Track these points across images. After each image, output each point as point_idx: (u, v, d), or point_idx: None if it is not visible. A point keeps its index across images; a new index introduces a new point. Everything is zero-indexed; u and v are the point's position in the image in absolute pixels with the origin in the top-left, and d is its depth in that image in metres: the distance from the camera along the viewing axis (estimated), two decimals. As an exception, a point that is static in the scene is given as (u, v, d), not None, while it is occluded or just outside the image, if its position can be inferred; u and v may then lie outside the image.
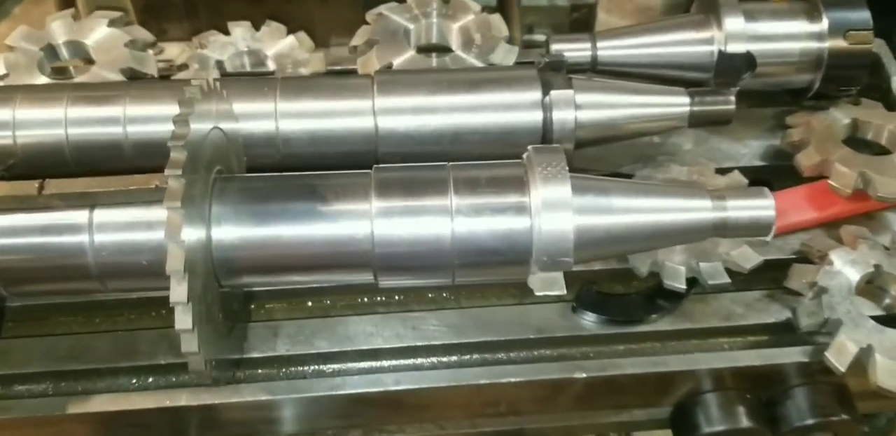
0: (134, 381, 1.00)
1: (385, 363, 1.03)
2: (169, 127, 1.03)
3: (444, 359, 1.03)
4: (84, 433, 1.02)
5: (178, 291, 0.77)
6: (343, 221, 0.88)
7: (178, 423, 1.02)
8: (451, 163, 0.93)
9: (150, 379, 1.00)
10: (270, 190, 0.90)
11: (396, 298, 1.10)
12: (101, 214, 0.87)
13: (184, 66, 1.26)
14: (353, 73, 1.29)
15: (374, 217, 0.87)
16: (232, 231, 0.87)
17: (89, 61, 1.26)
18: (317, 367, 1.02)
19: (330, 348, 1.03)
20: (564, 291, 0.90)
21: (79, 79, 1.21)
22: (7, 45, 1.26)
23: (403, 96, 1.10)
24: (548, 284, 0.90)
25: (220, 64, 1.27)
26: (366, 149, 1.11)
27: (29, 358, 1.00)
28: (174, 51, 1.32)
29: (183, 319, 0.78)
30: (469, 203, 0.88)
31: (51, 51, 1.26)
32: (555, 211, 0.86)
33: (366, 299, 1.10)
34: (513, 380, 0.99)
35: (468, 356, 1.04)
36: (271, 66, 1.29)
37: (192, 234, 0.81)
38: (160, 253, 0.86)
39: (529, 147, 0.93)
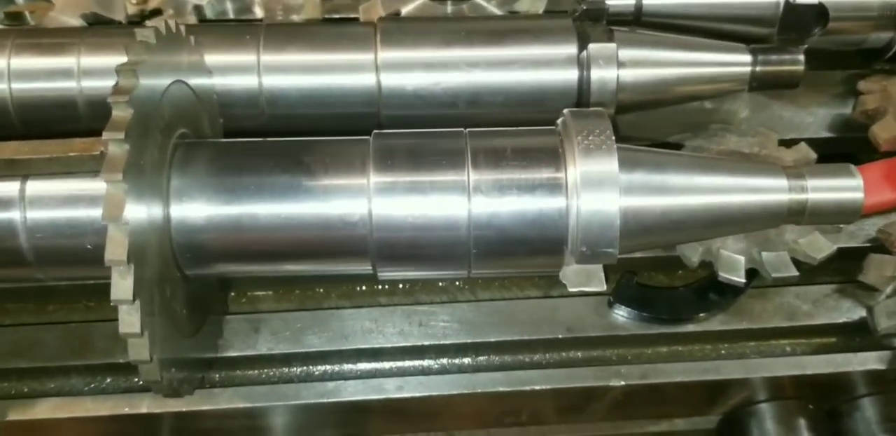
0: (88, 382, 0.84)
1: (387, 365, 0.88)
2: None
3: (457, 361, 0.88)
4: None
5: (122, 287, 0.61)
6: (333, 200, 0.71)
7: (141, 432, 0.87)
8: (468, 129, 0.76)
9: (108, 380, 0.85)
10: (244, 159, 0.73)
11: (401, 286, 0.94)
12: (36, 187, 0.71)
13: (157, 12, 1.09)
14: (353, 21, 1.11)
15: (371, 194, 0.70)
16: (196, 209, 0.71)
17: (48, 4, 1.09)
18: (305, 368, 0.87)
19: (321, 346, 0.87)
20: (604, 287, 0.74)
21: (33, 24, 1.04)
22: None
23: (412, 49, 0.92)
24: (584, 278, 0.73)
25: (198, 9, 1.09)
26: (366, 111, 0.93)
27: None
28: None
29: (128, 321, 0.62)
30: (491, 179, 0.71)
31: (8, -7, 1.09)
32: (598, 190, 0.69)
33: (364, 288, 0.94)
34: (538, 388, 0.83)
35: (485, 358, 0.88)
36: (258, 12, 1.11)
37: (141, 212, 0.64)
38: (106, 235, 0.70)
39: (566, 111, 0.76)
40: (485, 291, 0.94)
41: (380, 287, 0.94)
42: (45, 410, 0.81)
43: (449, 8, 1.09)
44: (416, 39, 0.93)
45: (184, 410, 0.81)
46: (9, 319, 0.90)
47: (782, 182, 0.75)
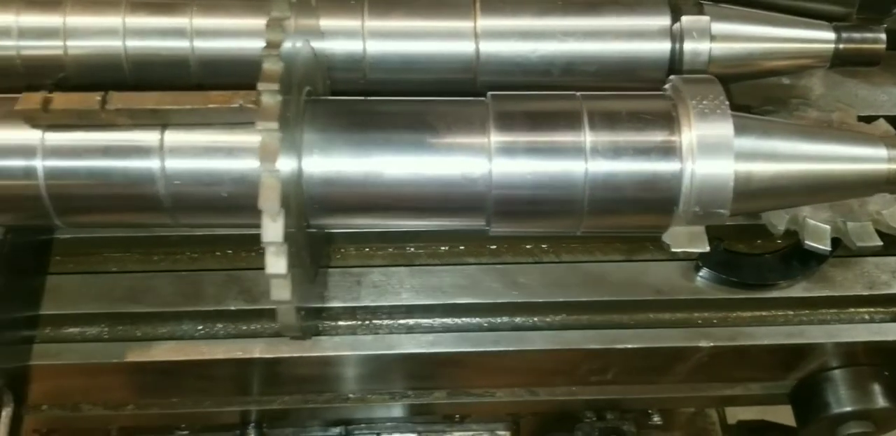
0: (199, 328, 0.88)
1: (480, 321, 0.91)
2: (242, 43, 0.93)
3: (548, 319, 0.91)
4: (141, 383, 0.92)
5: (273, 230, 0.65)
6: (455, 157, 0.74)
7: (245, 376, 0.91)
8: (580, 92, 0.79)
9: (218, 326, 0.88)
10: (371, 116, 0.77)
11: (489, 247, 0.97)
12: (175, 137, 0.74)
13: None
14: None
15: (492, 153, 0.74)
16: (325, 163, 0.74)
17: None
18: (404, 321, 0.90)
19: (419, 300, 0.90)
20: (707, 248, 0.77)
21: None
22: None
23: (510, 17, 0.95)
24: (688, 239, 0.77)
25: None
26: (463, 77, 0.96)
27: (82, 297, 0.88)
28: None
29: (276, 263, 0.66)
30: (608, 141, 0.74)
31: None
32: (713, 154, 0.72)
33: (447, 248, 0.97)
34: (630, 346, 0.87)
35: (574, 317, 0.91)
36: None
37: (285, 164, 0.68)
38: (243, 184, 0.74)
39: (674, 77, 0.79)
40: (569, 253, 0.97)
41: (464, 247, 0.97)
42: (162, 352, 0.85)
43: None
44: (514, 9, 0.95)
45: (294, 356, 0.85)
46: (115, 267, 0.94)
47: (881, 151, 0.78)
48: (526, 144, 0.74)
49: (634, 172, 0.74)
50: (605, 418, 1.06)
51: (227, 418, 1.01)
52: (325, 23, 0.93)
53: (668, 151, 0.73)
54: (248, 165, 0.74)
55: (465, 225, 0.79)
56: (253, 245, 0.94)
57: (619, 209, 0.75)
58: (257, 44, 0.91)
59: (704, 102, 0.74)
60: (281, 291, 0.67)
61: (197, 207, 0.76)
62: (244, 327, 0.88)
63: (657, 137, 0.74)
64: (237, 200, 0.75)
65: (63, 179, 0.74)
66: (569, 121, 0.75)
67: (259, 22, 0.91)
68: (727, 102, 0.74)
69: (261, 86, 0.65)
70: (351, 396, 0.97)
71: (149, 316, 0.88)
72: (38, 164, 0.73)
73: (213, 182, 0.74)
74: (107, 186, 0.74)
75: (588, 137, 0.74)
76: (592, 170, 0.73)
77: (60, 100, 0.72)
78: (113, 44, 0.92)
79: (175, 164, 0.74)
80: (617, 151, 0.74)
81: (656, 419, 1.07)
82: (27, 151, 0.73)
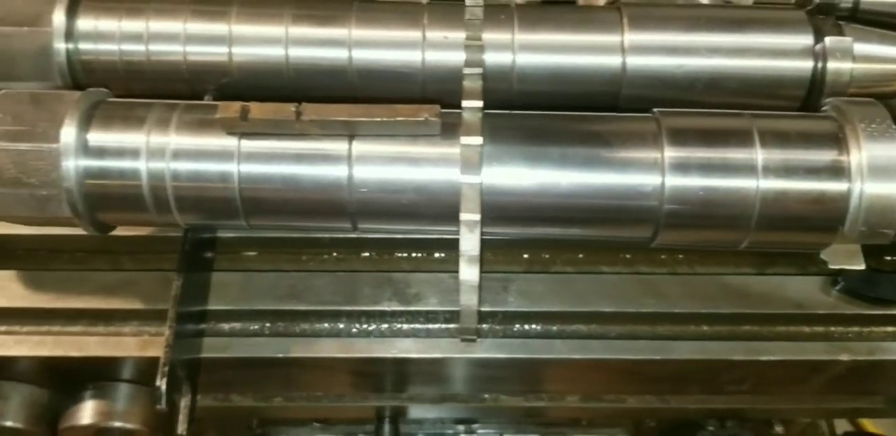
0: (356, 326, 0.92)
1: (623, 329, 0.94)
2: (396, 54, 0.97)
3: (692, 329, 0.93)
4: (293, 377, 0.96)
5: (471, 240, 0.69)
6: (628, 171, 0.77)
7: (392, 374, 0.95)
8: (747, 111, 0.82)
9: (373, 326, 0.92)
10: (547, 131, 0.80)
11: (625, 256, 1.00)
12: (362, 146, 0.78)
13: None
14: (569, 1, 1.16)
15: (665, 168, 0.77)
16: (503, 174, 0.77)
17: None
18: (549, 327, 0.94)
19: (562, 307, 0.93)
20: (863, 266, 0.80)
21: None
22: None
23: (657, 33, 0.97)
24: (846, 256, 0.80)
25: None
26: (607, 90, 0.99)
27: (245, 294, 0.93)
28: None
29: (469, 271, 0.70)
30: (780, 159, 0.76)
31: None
32: (883, 175, 0.75)
33: (583, 256, 1.00)
34: (773, 358, 0.89)
35: (715, 328, 0.94)
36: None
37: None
38: (423, 193, 0.78)
39: (835, 100, 0.82)
40: (702, 265, 1.00)
41: (601, 256, 1.00)
42: (326, 348, 0.89)
43: (659, -7, 1.14)
44: (660, 24, 0.98)
45: (452, 356, 0.89)
46: (268, 266, 0.98)
47: None
48: (699, 161, 0.77)
49: (804, 190, 0.76)
50: (725, 427, 1.08)
51: (363, 412, 1.05)
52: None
53: (838, 170, 0.76)
54: (430, 174, 0.78)
55: (630, 236, 0.82)
56: (398, 249, 0.98)
57: (785, 227, 0.78)
58: (411, 55, 0.97)
59: (873, 125, 0.76)
60: (470, 297, 0.71)
61: (378, 213, 0.80)
62: (398, 327, 0.92)
63: (826, 156, 0.76)
64: (416, 208, 0.79)
65: (256, 184, 0.78)
66: (739, 138, 0.78)
67: (414, 34, 0.97)
68: (893, 126, 0.76)
69: (465, 103, 0.69)
70: (486, 396, 1.01)
71: (309, 314, 0.92)
72: (234, 168, 0.77)
73: (397, 190, 0.78)
74: (297, 191, 0.78)
75: (760, 155, 0.76)
76: (763, 187, 0.76)
77: (257, 109, 0.77)
78: (276, 52, 0.96)
79: (362, 172, 0.78)
80: (788, 170, 0.76)
81: (778, 429, 1.09)
82: (224, 157, 0.78)
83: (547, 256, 1.00)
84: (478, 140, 0.68)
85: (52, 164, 0.77)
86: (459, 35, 0.97)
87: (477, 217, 0.68)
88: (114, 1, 0.96)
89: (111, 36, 0.95)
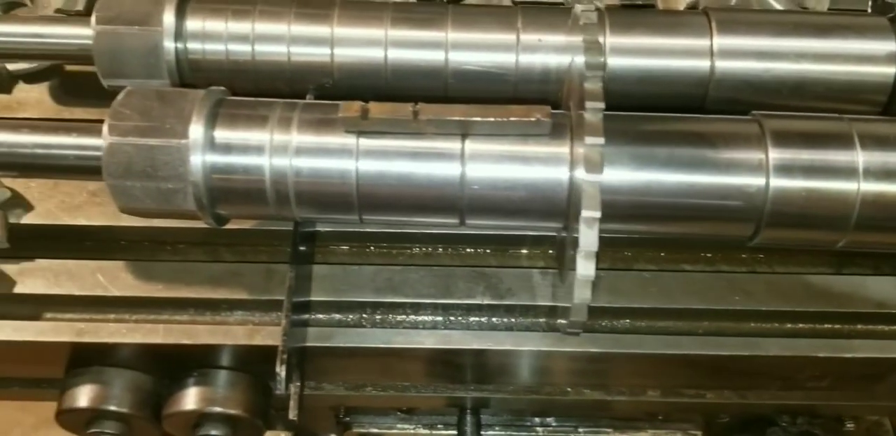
0: (452, 319, 0.96)
1: (711, 325, 0.96)
2: (491, 56, 1.00)
3: (777, 325, 0.96)
4: (387, 367, 0.99)
5: (590, 237, 0.72)
6: (733, 172, 0.80)
7: (483, 366, 0.98)
8: (846, 116, 0.84)
9: (471, 319, 0.96)
10: (654, 132, 0.83)
11: (706, 255, 1.02)
12: (475, 145, 0.81)
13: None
14: (650, 6, 1.19)
15: (770, 169, 0.79)
16: (614, 173, 0.80)
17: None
18: (638, 323, 0.97)
19: (652, 303, 0.96)
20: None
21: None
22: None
23: (746, 37, 1.00)
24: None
25: (515, -10, 1.18)
26: (694, 92, 1.02)
27: (344, 286, 0.96)
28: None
29: (587, 266, 0.72)
30: (880, 162, 0.79)
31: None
32: None
33: (665, 254, 1.03)
34: (857, 355, 0.92)
35: (799, 326, 0.96)
36: (566, -5, 1.19)
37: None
38: (533, 190, 0.81)
39: (932, 104, 0.84)
40: (781, 265, 1.02)
41: (679, 254, 1.03)
42: (425, 339, 0.93)
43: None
44: (749, 29, 1.01)
45: (544, 349, 0.92)
46: (359, 260, 1.02)
47: None
48: (803, 162, 0.79)
49: (903, 193, 0.79)
50: (796, 423, 1.10)
51: (447, 402, 1.09)
52: (572, 38, 1.00)
53: (939, 173, 0.78)
54: (540, 173, 0.81)
55: (730, 235, 0.84)
56: (486, 245, 1.01)
57: (884, 228, 0.80)
58: (505, 57, 1.00)
59: (977, 130, 0.78)
60: (585, 292, 0.74)
61: (488, 209, 0.83)
62: (494, 320, 0.95)
63: (927, 159, 0.79)
64: (525, 205, 0.82)
65: (373, 180, 0.81)
66: (840, 141, 0.80)
67: (508, 36, 1.00)
68: None
69: (588, 105, 0.72)
70: (569, 389, 1.04)
71: (407, 306, 0.95)
72: (353, 165, 0.81)
73: (508, 187, 0.81)
74: (411, 187, 0.81)
75: (861, 157, 0.79)
76: (864, 189, 0.78)
77: (377, 109, 0.80)
78: (375, 54, 1.00)
79: (474, 170, 0.81)
80: (888, 173, 0.79)
81: (850, 426, 1.11)
82: (344, 154, 0.81)
83: (629, 253, 1.03)
84: (600, 141, 0.71)
85: (180, 159, 0.80)
86: (552, 38, 1.00)
87: (598, 214, 0.71)
88: (221, 3, 1.00)
89: (218, 36, 0.99)
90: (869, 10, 1.10)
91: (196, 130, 0.80)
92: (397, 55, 1.00)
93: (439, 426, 1.15)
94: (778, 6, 1.16)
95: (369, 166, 0.81)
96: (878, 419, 1.21)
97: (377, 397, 1.03)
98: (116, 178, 0.81)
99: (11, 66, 1.09)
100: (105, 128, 0.80)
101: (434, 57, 1.00)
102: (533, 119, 0.79)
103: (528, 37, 1.00)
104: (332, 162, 0.81)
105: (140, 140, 0.80)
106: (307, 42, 1.00)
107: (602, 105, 0.72)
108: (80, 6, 1.12)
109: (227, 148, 0.81)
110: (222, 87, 0.87)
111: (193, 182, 0.81)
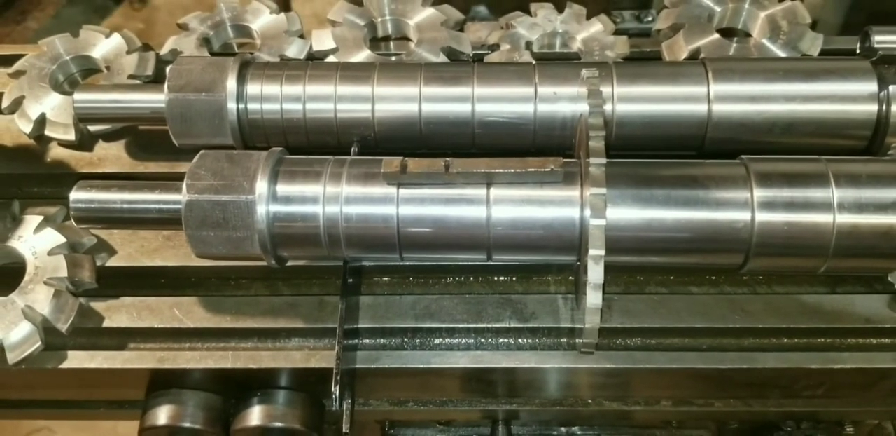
0: (483, 341, 1.08)
1: (713, 342, 1.08)
2: (512, 107, 1.13)
3: (775, 341, 1.07)
4: (426, 384, 1.12)
5: (597, 272, 0.84)
6: (723, 210, 0.92)
7: (511, 382, 1.11)
8: (824, 157, 0.96)
9: (500, 340, 1.08)
10: (653, 176, 0.95)
11: (711, 278, 1.14)
12: (498, 192, 0.94)
13: (495, 46, 1.32)
14: (655, 57, 1.32)
15: (755, 206, 0.91)
16: (618, 213, 0.93)
17: (405, 38, 1.34)
18: (648, 341, 1.08)
19: (660, 323, 1.08)
20: (932, 289, 0.92)
21: (402, 56, 1.29)
22: (329, 20, 1.34)
23: (740, 84, 1.12)
24: (915, 280, 0.92)
25: (528, 44, 1.32)
26: (694, 133, 1.14)
27: (387, 313, 1.09)
28: (481, 32, 1.38)
29: (596, 296, 0.85)
30: (853, 198, 0.90)
31: (371, 27, 1.34)
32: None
33: (674, 278, 1.14)
34: (848, 366, 1.03)
35: (793, 341, 1.07)
36: (575, 47, 1.32)
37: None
38: (549, 229, 0.94)
39: (901, 144, 0.95)
40: (780, 285, 1.13)
41: (686, 277, 1.14)
42: (460, 359, 1.05)
43: (733, 46, 1.28)
44: (742, 76, 1.13)
45: (565, 366, 1.04)
46: (400, 290, 1.15)
47: None
48: (784, 199, 0.91)
49: (874, 224, 0.90)
50: (801, 428, 1.21)
51: (480, 415, 1.21)
52: (583, 90, 1.13)
53: (908, 207, 0.89)
54: (555, 213, 0.94)
55: (724, 264, 0.96)
56: (511, 273, 1.14)
57: (863, 254, 0.91)
58: (524, 108, 1.13)
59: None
60: (594, 318, 0.87)
61: (510, 246, 0.96)
62: (520, 341, 1.08)
63: (894, 194, 0.90)
64: (542, 242, 0.95)
65: (412, 224, 0.95)
66: (817, 180, 0.92)
67: (527, 90, 1.13)
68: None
69: (592, 160, 0.85)
70: (590, 401, 1.16)
71: (443, 330, 1.08)
72: (394, 211, 0.94)
73: (527, 227, 0.94)
74: (444, 229, 0.95)
75: (835, 194, 0.91)
76: (839, 221, 0.90)
77: (414, 164, 0.94)
78: (411, 108, 1.14)
79: (498, 212, 0.94)
80: (860, 207, 0.90)
81: (849, 430, 1.21)
82: (386, 202, 0.95)
83: (641, 278, 1.15)
84: (603, 190, 0.84)
85: (248, 211, 0.95)
86: (566, 90, 1.13)
87: (602, 252, 0.84)
88: (275, 69, 1.15)
89: (274, 98, 1.14)
90: (858, 51, 1.22)
91: (261, 186, 0.95)
92: (430, 109, 1.14)
93: (475, 436, 1.28)
94: (775, 50, 1.28)
95: (408, 212, 0.95)
96: (878, 423, 1.31)
97: (418, 411, 1.16)
98: (194, 229, 0.95)
99: (93, 128, 1.25)
100: (184, 186, 0.95)
101: (462, 109, 1.14)
102: (548, 169, 0.93)
103: (545, 90, 1.13)
104: (376, 209, 0.95)
105: (214, 197, 0.95)
106: (351, 100, 1.14)
107: (604, 160, 0.85)
108: (149, 72, 1.29)
109: (287, 200, 0.95)
110: (281, 148, 1.02)
111: (259, 230, 0.95)
